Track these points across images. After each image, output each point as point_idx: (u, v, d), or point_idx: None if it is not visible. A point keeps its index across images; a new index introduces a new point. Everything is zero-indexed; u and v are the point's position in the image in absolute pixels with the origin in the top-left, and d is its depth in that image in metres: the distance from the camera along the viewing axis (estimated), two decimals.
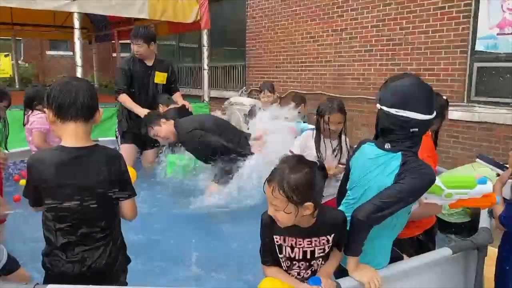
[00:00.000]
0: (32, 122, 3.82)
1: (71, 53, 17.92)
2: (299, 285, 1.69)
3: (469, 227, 2.91)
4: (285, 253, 1.74)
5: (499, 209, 2.19)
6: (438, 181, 1.90)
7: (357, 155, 1.94)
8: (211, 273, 2.69)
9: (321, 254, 1.75)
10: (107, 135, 4.86)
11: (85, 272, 1.79)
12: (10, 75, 9.68)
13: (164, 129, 3.89)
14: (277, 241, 1.74)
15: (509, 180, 2.34)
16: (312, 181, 1.60)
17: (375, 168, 1.81)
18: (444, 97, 2.92)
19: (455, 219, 2.95)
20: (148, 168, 4.69)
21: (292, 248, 1.73)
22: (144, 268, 2.61)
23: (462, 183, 1.95)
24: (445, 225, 2.98)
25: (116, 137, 4.88)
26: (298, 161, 1.66)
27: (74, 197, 1.75)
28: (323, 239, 1.73)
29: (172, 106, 4.63)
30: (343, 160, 3.03)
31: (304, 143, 3.00)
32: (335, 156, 2.99)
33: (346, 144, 3.08)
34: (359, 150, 1.93)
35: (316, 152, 2.90)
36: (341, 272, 1.82)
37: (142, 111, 4.36)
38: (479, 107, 5.41)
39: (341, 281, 1.71)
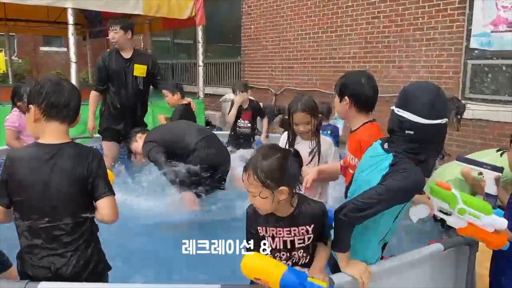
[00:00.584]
0: (6, 120, 3.74)
1: (65, 49, 17.80)
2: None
3: None
4: (268, 244, 1.76)
5: None
6: (456, 192, 1.87)
7: (367, 151, 1.95)
8: (200, 274, 2.67)
9: (301, 245, 1.77)
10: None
11: (50, 278, 1.73)
12: (4, 71, 9.61)
13: (140, 144, 3.70)
14: (260, 232, 1.77)
15: (491, 176, 2.36)
16: (284, 166, 1.64)
17: (370, 166, 1.82)
18: (463, 102, 2.94)
19: None
20: (137, 165, 4.64)
21: (273, 238, 1.76)
22: (129, 271, 2.56)
23: (479, 205, 1.87)
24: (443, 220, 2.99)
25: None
26: (270, 148, 1.72)
27: (41, 194, 1.70)
28: (302, 229, 1.74)
29: (177, 95, 4.67)
30: (330, 162, 2.86)
31: (283, 144, 2.87)
32: (311, 159, 2.81)
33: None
34: (371, 146, 1.93)
35: None
36: (335, 265, 1.82)
37: (90, 124, 4.56)
38: (473, 104, 5.43)
39: (335, 276, 1.71)
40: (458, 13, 5.55)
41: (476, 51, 5.45)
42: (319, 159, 2.83)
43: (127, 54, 4.49)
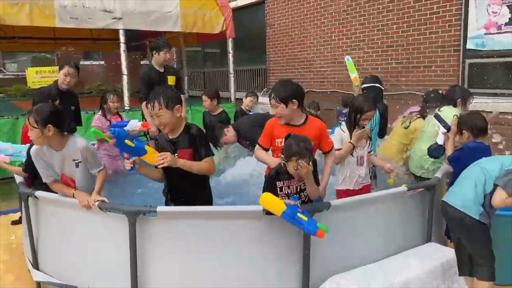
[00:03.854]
0: (93, 121, 4.89)
1: (102, 62, 19.24)
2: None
3: None
4: (284, 191, 2.69)
5: (449, 152, 3.29)
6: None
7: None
8: None
9: (304, 187, 2.69)
10: None
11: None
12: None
13: (230, 135, 4.76)
14: (278, 185, 2.69)
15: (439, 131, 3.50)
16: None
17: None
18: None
19: (432, 175, 3.79)
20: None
21: (288, 187, 2.69)
22: None
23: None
24: (421, 180, 3.89)
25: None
26: (298, 138, 2.54)
27: None
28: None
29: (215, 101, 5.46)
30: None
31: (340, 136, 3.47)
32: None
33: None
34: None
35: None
36: None
37: (153, 129, 4.95)
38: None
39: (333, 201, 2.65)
40: (455, 19, 6.37)
41: (472, 52, 6.26)
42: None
43: (161, 68, 5.36)
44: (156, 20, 7.57)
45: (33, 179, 3.25)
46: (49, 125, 2.74)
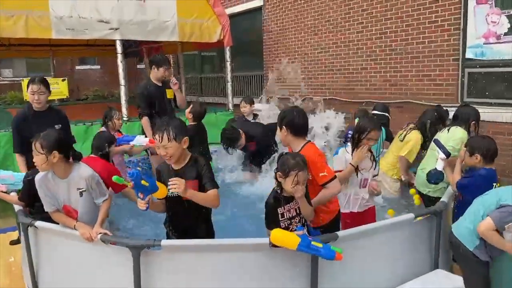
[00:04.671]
0: None
1: (98, 66, 19.12)
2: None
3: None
4: (286, 216, 2.65)
5: (457, 178, 3.20)
6: None
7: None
8: None
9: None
10: None
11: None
12: (67, 96, 11.12)
13: (243, 139, 5.12)
14: (280, 211, 2.65)
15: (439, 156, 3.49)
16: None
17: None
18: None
19: (438, 194, 3.73)
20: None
21: (289, 210, 2.67)
22: None
23: None
24: (430, 199, 3.85)
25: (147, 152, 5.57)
26: (293, 154, 2.66)
27: None
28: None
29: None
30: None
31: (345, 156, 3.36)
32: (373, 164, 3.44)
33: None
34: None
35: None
36: None
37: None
38: None
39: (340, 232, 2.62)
40: (454, 28, 6.34)
41: (471, 61, 6.24)
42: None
43: (159, 82, 5.38)
44: (153, 30, 7.51)
45: (30, 207, 3.19)
46: (54, 151, 2.71)
